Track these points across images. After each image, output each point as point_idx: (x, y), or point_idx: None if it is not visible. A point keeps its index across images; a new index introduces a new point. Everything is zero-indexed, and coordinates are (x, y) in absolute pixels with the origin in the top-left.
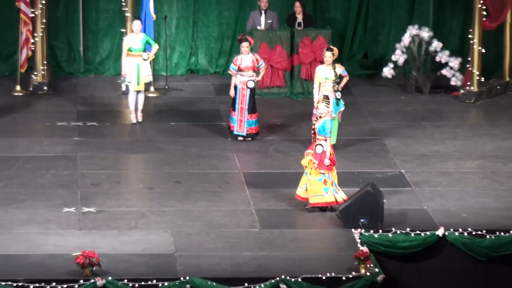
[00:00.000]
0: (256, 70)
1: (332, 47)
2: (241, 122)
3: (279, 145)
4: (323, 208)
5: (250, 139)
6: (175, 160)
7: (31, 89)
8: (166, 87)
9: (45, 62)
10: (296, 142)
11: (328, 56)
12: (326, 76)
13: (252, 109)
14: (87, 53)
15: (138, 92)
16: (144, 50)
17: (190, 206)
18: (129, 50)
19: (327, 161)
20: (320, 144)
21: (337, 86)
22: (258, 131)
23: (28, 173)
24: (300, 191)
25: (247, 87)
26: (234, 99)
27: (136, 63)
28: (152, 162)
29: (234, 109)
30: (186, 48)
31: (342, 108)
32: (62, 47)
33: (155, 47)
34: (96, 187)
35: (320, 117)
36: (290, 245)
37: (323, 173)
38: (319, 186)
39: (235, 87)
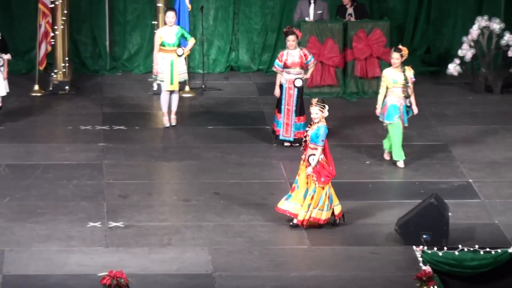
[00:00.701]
0: (304, 67)
1: (400, 47)
2: (288, 125)
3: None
4: (320, 225)
5: (297, 144)
6: (213, 169)
7: (51, 88)
8: (203, 86)
9: (67, 59)
10: (350, 148)
11: (396, 58)
12: (395, 80)
13: (300, 111)
14: (114, 48)
15: (171, 92)
16: (179, 45)
17: (230, 221)
18: (162, 44)
19: (309, 170)
20: (313, 155)
21: (407, 91)
22: None
23: (48, 184)
24: (283, 203)
25: (294, 86)
26: (279, 100)
27: (170, 59)
28: (187, 171)
29: (279, 111)
30: (225, 43)
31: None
32: (85, 42)
33: (191, 41)
34: (125, 199)
35: (313, 123)
36: (342, 264)
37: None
38: (324, 201)
39: (281, 86)
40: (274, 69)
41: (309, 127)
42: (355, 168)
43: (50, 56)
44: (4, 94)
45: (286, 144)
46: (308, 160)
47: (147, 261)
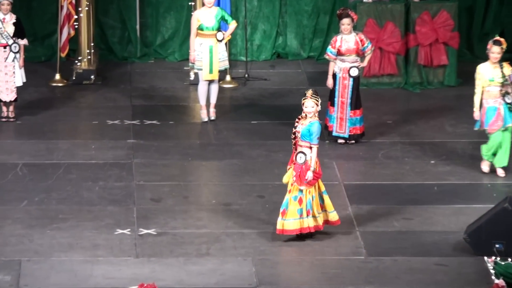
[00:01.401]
0: (360, 54)
1: (499, 38)
2: (342, 120)
3: (391, 150)
4: (299, 235)
5: (353, 142)
6: (258, 169)
7: (74, 78)
8: (246, 75)
9: (92, 44)
10: (412, 145)
11: (497, 52)
12: (491, 78)
13: (355, 104)
14: (145, 32)
15: (210, 82)
16: (219, 29)
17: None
18: (200, 28)
19: (310, 174)
20: (302, 152)
21: (505, 89)
22: (364, 132)
23: (71, 185)
24: (280, 223)
25: (350, 75)
26: (332, 91)
27: (209, 45)
28: (228, 171)
29: (332, 104)
30: (271, 26)
31: None
32: (113, 25)
33: (232, 24)
34: (157, 203)
35: (303, 117)
36: (404, 277)
37: (301, 190)
38: (294, 206)
39: (334, 76)
40: (327, 57)
41: (297, 122)
42: (417, 168)
43: (73, 41)
44: (20, 84)
45: (340, 141)
46: (295, 158)
47: (183, 273)
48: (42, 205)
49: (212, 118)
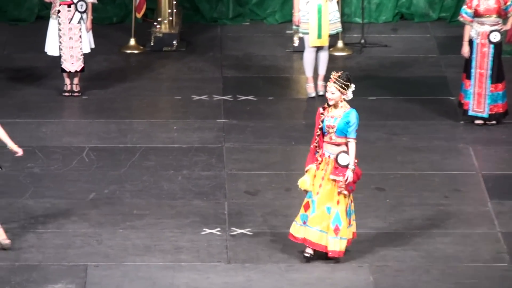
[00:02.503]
0: (503, 15)
1: None
2: (480, 96)
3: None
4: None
5: (494, 122)
6: (377, 155)
7: (152, 44)
8: (362, 41)
9: (174, 3)
10: None
11: None
12: None
13: (497, 76)
14: None
15: (319, 49)
16: None
17: (400, 227)
18: None
19: (350, 174)
20: (345, 152)
21: None
22: (507, 111)
23: (148, 174)
24: (295, 228)
25: (490, 41)
26: (468, 61)
27: (316, 3)
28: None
29: (468, 77)
30: None
31: None
32: None
33: None
34: (253, 196)
35: (328, 105)
36: None
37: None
38: (346, 222)
39: (470, 42)
40: (461, 19)
41: (322, 113)
42: None
43: None
44: (88, 51)
45: (478, 122)
46: (337, 161)
47: (284, 281)
48: (113, 198)
49: (321, 93)
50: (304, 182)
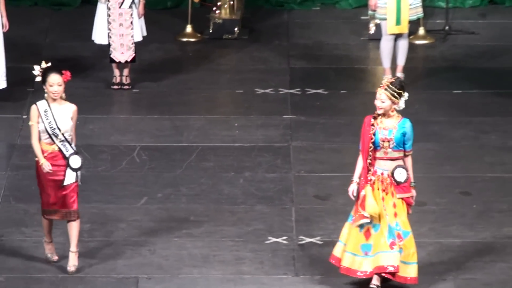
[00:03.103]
0: None
1: None
2: None
3: None
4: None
5: None
6: (462, 156)
7: (211, 31)
8: (446, 28)
9: None
10: None
11: None
12: None
13: None
14: None
15: (397, 36)
16: None
17: (488, 236)
18: None
19: (414, 192)
20: (403, 167)
21: None
22: None
23: (206, 177)
24: (350, 260)
25: None
26: None
27: None
28: (421, 159)
29: None
30: None
31: None
32: None
33: None
34: (324, 201)
35: (378, 114)
36: None
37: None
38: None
39: None
40: None
41: (373, 124)
42: None
43: None
44: (140, 39)
45: None
46: (394, 177)
47: None
48: (168, 203)
49: None
50: (374, 207)
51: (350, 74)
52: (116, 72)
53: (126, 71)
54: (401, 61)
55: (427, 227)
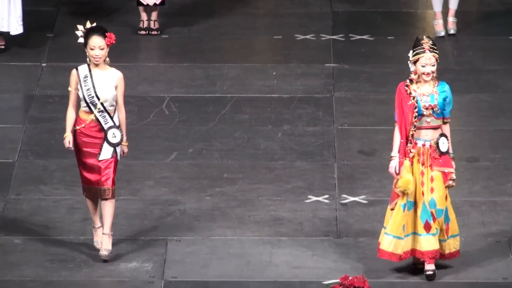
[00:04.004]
0: None
1: None
2: None
3: None
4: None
5: None
6: None
7: None
8: None
9: None
10: None
11: None
12: None
13: None
14: None
15: None
16: None
17: None
18: None
19: (453, 164)
20: (444, 136)
21: None
22: None
23: (242, 130)
24: (387, 242)
25: None
26: None
27: None
28: (476, 110)
29: None
30: None
31: None
32: None
33: None
34: (369, 156)
35: (410, 82)
36: None
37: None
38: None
39: None
40: None
41: (406, 91)
42: None
43: None
44: None
45: None
46: (439, 149)
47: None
48: (199, 159)
49: (452, 31)
50: (408, 182)
51: (398, 18)
52: (144, 16)
53: (154, 15)
54: (453, 4)
55: (480, 185)
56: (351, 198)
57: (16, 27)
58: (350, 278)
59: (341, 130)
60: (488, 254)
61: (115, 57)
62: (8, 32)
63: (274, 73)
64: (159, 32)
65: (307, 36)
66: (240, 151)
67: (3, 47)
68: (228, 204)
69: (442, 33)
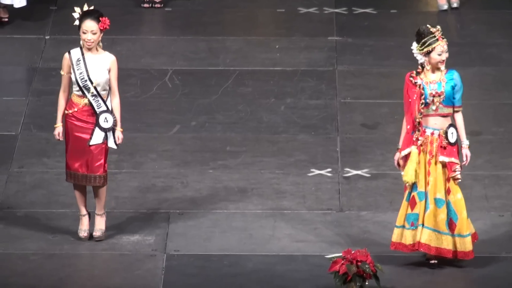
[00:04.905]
0: None
1: None
2: None
3: None
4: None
5: None
6: None
7: None
8: None
9: None
10: None
11: None
12: None
13: None
14: None
15: None
16: None
17: None
18: None
19: (468, 152)
20: (453, 126)
21: None
22: None
23: (244, 103)
24: (399, 234)
25: None
26: None
27: None
28: (479, 84)
29: None
30: None
31: None
32: None
33: None
34: (372, 130)
35: (427, 69)
36: None
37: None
38: (464, 209)
39: None
40: None
41: (411, 82)
42: None
43: None
44: None
45: None
46: (447, 139)
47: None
48: (202, 132)
49: (455, 5)
50: (410, 175)
51: None
52: None
53: None
54: None
55: (483, 159)
56: (354, 172)
57: (19, 0)
58: (352, 251)
59: (344, 103)
60: (490, 229)
61: (118, 30)
62: (12, 5)
63: (277, 46)
64: (162, 5)
65: (310, 9)
66: (243, 124)
67: (6, 19)
68: (230, 177)
69: (445, 7)
